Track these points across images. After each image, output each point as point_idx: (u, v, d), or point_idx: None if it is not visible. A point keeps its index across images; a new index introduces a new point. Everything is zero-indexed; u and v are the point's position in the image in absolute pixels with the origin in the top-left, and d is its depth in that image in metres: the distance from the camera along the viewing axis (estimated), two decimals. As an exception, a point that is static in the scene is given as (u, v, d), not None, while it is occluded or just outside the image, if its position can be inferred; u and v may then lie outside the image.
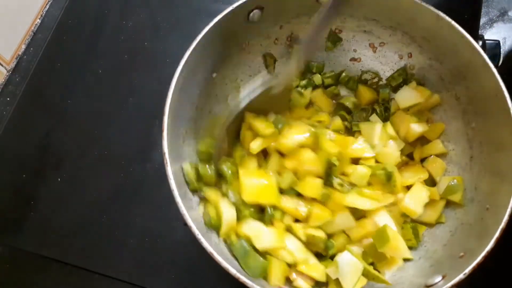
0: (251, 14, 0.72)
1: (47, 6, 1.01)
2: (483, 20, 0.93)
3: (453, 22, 0.68)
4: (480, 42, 0.82)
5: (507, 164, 0.64)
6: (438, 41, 0.73)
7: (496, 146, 0.67)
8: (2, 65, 0.94)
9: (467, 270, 0.57)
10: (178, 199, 0.59)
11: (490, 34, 0.93)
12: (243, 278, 0.56)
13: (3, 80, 0.94)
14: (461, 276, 0.56)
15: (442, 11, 0.68)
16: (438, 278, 0.60)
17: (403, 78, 0.80)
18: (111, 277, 0.77)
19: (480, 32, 0.90)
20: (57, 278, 0.78)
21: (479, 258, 0.57)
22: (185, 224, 0.59)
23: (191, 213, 0.60)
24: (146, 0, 1.00)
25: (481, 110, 0.70)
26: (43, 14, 1.01)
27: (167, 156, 0.61)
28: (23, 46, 0.97)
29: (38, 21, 1.00)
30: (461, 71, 0.72)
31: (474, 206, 0.68)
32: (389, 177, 0.69)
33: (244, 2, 0.69)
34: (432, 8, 0.69)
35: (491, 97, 0.66)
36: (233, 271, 0.56)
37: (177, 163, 0.66)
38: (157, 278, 0.76)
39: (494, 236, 0.58)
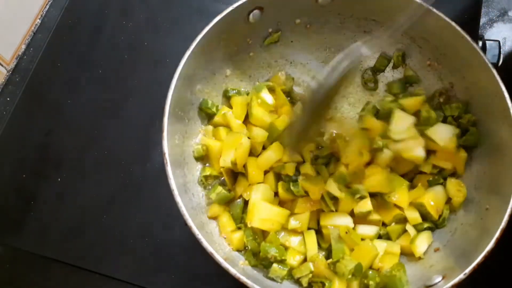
0: (251, 15, 0.72)
1: (47, 6, 1.01)
2: (483, 20, 0.93)
3: (453, 23, 0.68)
4: (480, 42, 0.82)
5: (507, 164, 0.64)
6: (437, 42, 0.73)
7: (496, 146, 0.67)
8: (2, 65, 0.94)
9: (467, 270, 0.57)
10: (178, 198, 0.59)
11: (490, 34, 0.93)
12: (243, 279, 0.56)
13: (3, 80, 0.94)
14: (461, 276, 0.57)
15: (442, 11, 0.68)
16: (438, 279, 0.60)
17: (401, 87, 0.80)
18: (111, 277, 0.77)
19: (480, 32, 0.90)
20: (57, 278, 0.78)
21: (479, 258, 0.57)
22: (186, 224, 0.59)
23: (191, 213, 0.60)
24: (146, 0, 0.99)
25: (480, 109, 0.70)
26: (43, 14, 1.01)
27: (167, 156, 0.61)
28: (23, 46, 0.97)
29: (38, 21, 1.00)
30: (460, 71, 0.72)
31: (473, 206, 0.68)
32: None
33: (244, 3, 0.69)
34: (431, 8, 0.69)
35: (490, 97, 0.66)
36: (233, 271, 0.56)
37: (177, 163, 0.66)
38: (157, 278, 0.76)
39: (494, 236, 0.58)
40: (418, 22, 0.71)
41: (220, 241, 0.68)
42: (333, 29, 0.80)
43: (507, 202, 0.59)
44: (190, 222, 0.58)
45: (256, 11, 0.72)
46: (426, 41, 0.74)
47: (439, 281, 0.59)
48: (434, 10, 0.68)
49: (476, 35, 0.86)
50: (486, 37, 0.87)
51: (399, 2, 0.71)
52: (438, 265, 0.65)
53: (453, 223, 0.69)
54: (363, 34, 0.80)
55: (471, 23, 0.88)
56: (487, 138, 0.69)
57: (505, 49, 0.91)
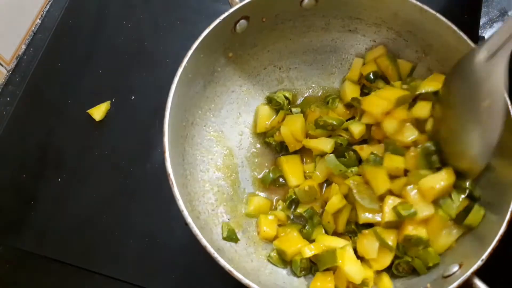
0: (238, 25, 0.71)
1: (47, 6, 1.01)
2: (483, 20, 0.93)
3: (437, 14, 0.68)
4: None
5: (505, 145, 0.62)
6: (423, 34, 0.73)
7: None
8: (2, 65, 0.94)
9: (484, 256, 0.55)
10: (178, 196, 0.59)
11: (490, 34, 0.93)
12: (245, 280, 0.56)
13: (3, 80, 0.94)
14: (479, 262, 0.55)
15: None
16: (455, 268, 0.59)
17: None
18: (111, 277, 0.77)
19: (480, 32, 0.90)
20: (57, 278, 0.78)
21: (494, 243, 0.56)
22: (186, 224, 0.59)
23: (192, 213, 0.60)
24: (146, 0, 0.99)
25: None
26: (43, 14, 1.01)
27: (167, 155, 0.60)
28: (23, 46, 0.97)
29: (38, 21, 1.00)
30: (449, 60, 0.71)
31: (477, 190, 0.66)
32: None
33: (231, 13, 0.68)
34: (415, 2, 0.69)
35: None
36: (235, 271, 0.56)
37: (177, 163, 0.66)
38: (157, 278, 0.76)
39: (505, 218, 0.56)
40: (403, 16, 0.72)
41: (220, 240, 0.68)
42: (319, 31, 0.80)
43: None
44: (190, 221, 0.58)
45: (242, 21, 0.71)
46: (412, 34, 0.74)
47: (457, 270, 0.58)
48: (417, 3, 0.68)
49: (476, 35, 0.86)
50: (486, 37, 0.87)
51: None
52: (452, 254, 0.63)
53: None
54: (349, 33, 0.80)
55: (471, 23, 0.88)
56: None
57: (505, 49, 0.90)
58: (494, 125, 0.57)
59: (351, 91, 0.78)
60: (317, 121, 0.74)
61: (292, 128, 0.75)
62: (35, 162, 0.85)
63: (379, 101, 0.70)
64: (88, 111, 0.88)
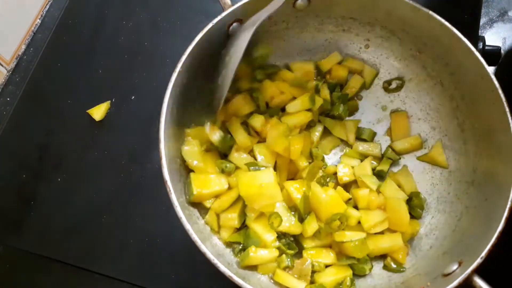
0: (230, 28, 0.71)
1: (47, 6, 1.01)
2: (483, 20, 0.93)
3: (430, 12, 0.68)
4: (481, 44, 0.82)
5: (502, 142, 0.63)
6: (417, 32, 0.73)
7: (488, 126, 0.67)
8: (2, 65, 0.94)
9: (484, 253, 0.55)
10: (175, 203, 0.59)
11: (490, 34, 0.93)
12: (246, 286, 0.56)
13: (3, 80, 0.94)
14: (478, 260, 0.55)
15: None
16: (454, 266, 0.59)
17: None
18: (111, 277, 0.77)
19: (480, 32, 0.90)
20: (57, 278, 0.78)
21: (492, 240, 0.56)
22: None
23: (190, 219, 0.60)
24: (146, 0, 0.99)
25: (468, 93, 0.70)
26: (43, 14, 1.01)
27: (164, 161, 0.60)
28: (23, 46, 0.97)
29: (38, 21, 1.00)
30: (443, 58, 0.72)
31: (475, 188, 0.67)
32: None
33: (224, 17, 0.67)
34: (407, 0, 0.69)
35: (476, 79, 0.66)
36: (235, 277, 0.56)
37: (175, 167, 0.66)
38: (157, 278, 0.76)
39: (503, 216, 0.57)
40: (397, 14, 0.72)
41: (217, 241, 0.68)
42: (312, 32, 0.80)
43: (510, 180, 0.58)
44: (188, 227, 0.58)
45: (236, 24, 0.71)
46: (406, 32, 0.75)
47: (456, 268, 0.58)
48: (410, 1, 0.68)
49: (477, 36, 0.86)
50: (486, 37, 0.87)
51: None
52: (451, 252, 0.63)
53: (458, 207, 0.69)
54: (343, 33, 0.80)
55: (471, 24, 0.88)
56: (478, 120, 0.69)
57: (505, 49, 0.91)
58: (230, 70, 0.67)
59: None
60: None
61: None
62: (35, 162, 0.85)
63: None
64: (88, 111, 0.88)
